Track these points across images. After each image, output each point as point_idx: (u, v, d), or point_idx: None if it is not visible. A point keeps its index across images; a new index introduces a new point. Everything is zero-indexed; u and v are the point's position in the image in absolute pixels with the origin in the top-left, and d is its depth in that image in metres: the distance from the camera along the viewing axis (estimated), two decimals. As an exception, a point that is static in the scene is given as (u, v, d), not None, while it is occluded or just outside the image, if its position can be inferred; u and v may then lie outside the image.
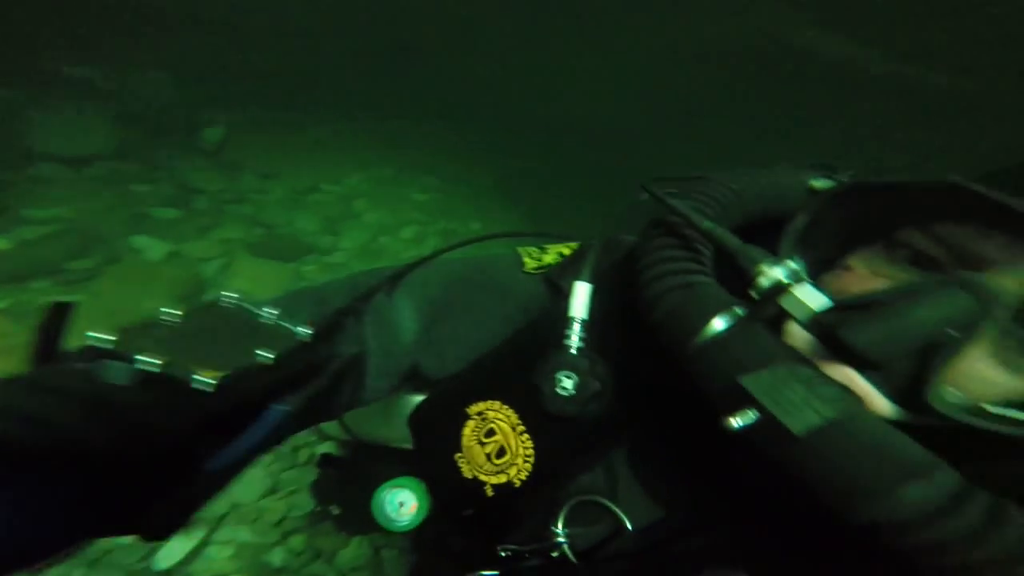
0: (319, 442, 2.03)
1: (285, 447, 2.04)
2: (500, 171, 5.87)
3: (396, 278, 0.67)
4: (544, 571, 0.58)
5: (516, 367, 0.59)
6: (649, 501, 0.56)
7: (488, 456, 0.58)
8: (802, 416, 0.36)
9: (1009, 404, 0.39)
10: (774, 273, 0.42)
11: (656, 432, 0.56)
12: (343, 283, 0.66)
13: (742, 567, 0.49)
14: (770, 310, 0.42)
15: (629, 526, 0.55)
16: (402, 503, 0.73)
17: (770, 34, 4.74)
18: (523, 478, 0.57)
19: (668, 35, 5.45)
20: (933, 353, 0.37)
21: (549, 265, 0.67)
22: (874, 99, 4.47)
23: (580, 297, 0.58)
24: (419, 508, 0.73)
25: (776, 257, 0.43)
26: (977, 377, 0.39)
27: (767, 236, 0.47)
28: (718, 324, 0.42)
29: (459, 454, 0.60)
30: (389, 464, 0.76)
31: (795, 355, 0.40)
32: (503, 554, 0.60)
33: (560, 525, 0.57)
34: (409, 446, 0.68)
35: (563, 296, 0.60)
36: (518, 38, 6.29)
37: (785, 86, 4.82)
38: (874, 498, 0.34)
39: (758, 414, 0.37)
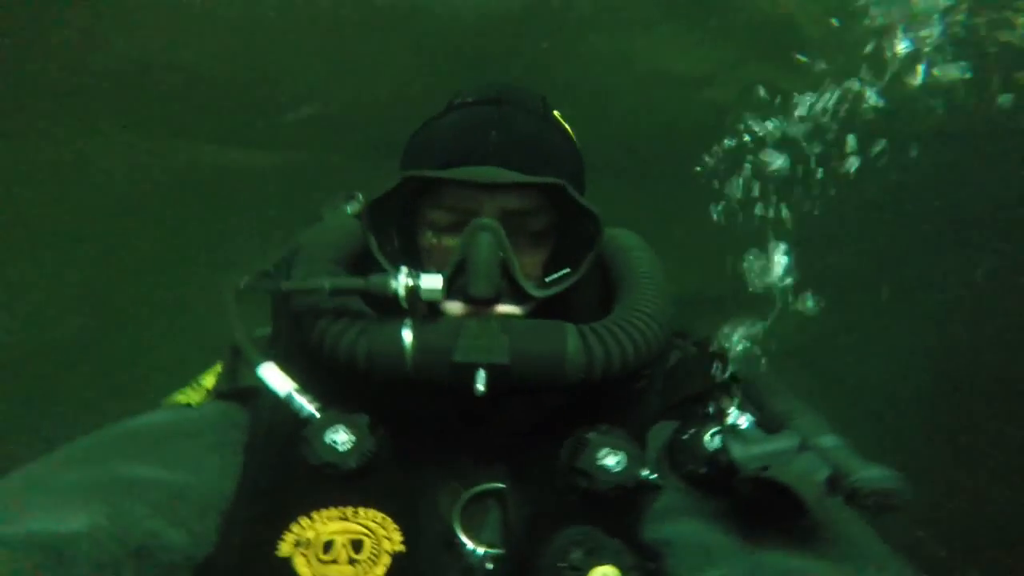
0: None
1: None
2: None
3: None
4: None
5: (289, 476, 0.64)
6: (488, 469, 0.70)
7: (351, 560, 0.61)
8: (498, 349, 0.60)
9: (549, 275, 0.73)
10: (401, 281, 0.63)
11: (444, 427, 0.70)
12: None
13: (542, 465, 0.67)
14: (422, 306, 0.65)
15: (502, 485, 0.68)
16: None
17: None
18: (401, 538, 0.63)
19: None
20: (504, 269, 0.65)
21: (213, 387, 0.78)
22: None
23: (274, 375, 0.66)
24: None
25: (388, 272, 0.65)
26: (526, 267, 0.70)
27: (366, 264, 0.70)
28: (407, 337, 0.62)
29: None
30: None
31: (462, 321, 0.64)
32: None
33: (464, 538, 0.64)
34: None
35: (260, 391, 0.67)
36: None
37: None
38: (563, 360, 0.62)
39: (483, 370, 0.59)
